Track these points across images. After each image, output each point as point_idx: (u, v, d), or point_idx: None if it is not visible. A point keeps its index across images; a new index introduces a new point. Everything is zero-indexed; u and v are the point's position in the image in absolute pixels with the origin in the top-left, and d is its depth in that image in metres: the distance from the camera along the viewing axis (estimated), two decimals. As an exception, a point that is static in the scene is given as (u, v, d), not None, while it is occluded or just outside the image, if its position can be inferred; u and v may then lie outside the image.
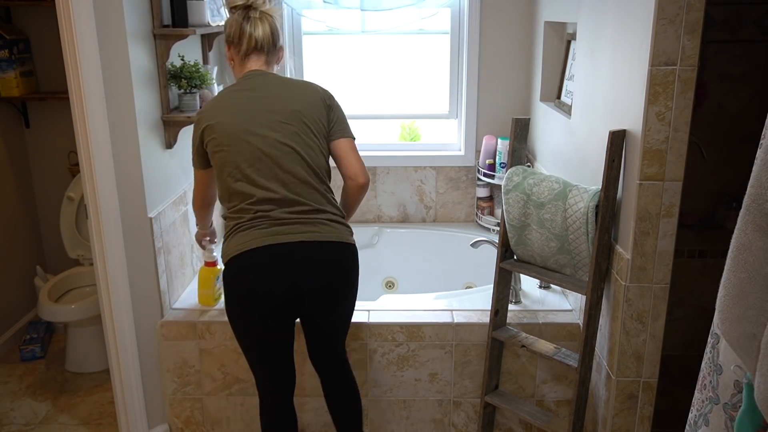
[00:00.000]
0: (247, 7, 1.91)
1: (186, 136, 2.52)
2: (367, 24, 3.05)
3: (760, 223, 0.81)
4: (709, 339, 1.00)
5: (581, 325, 2.02)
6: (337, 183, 1.97)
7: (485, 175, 3.07)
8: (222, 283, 1.91)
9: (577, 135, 2.29)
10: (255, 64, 1.94)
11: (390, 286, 3.24)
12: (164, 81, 2.32)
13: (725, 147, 2.77)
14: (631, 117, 1.79)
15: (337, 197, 2.01)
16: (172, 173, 2.45)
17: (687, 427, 1.06)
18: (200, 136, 1.89)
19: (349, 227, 1.96)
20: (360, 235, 3.22)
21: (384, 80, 3.62)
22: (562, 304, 2.40)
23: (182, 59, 2.42)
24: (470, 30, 3.02)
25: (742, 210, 0.85)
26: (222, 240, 1.94)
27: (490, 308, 2.23)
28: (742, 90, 2.77)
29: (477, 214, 3.23)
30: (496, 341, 2.24)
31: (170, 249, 2.40)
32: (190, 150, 1.97)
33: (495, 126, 3.14)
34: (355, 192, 2.01)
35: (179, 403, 2.41)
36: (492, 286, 2.23)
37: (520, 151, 2.21)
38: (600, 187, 1.88)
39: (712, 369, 0.99)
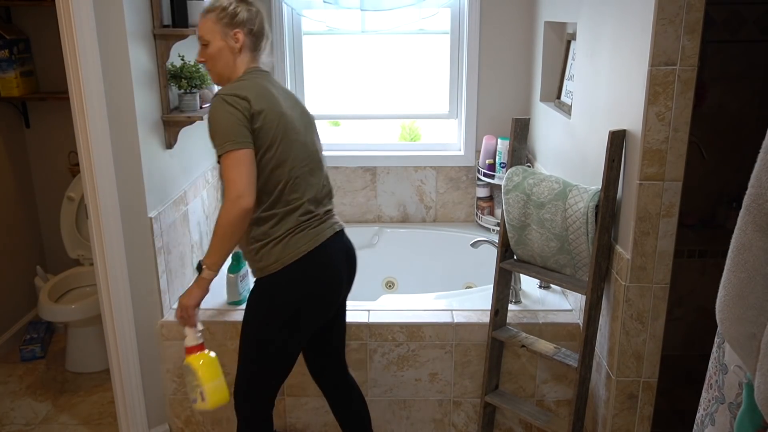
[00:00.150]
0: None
1: (186, 136, 2.52)
2: (367, 24, 3.05)
3: (760, 223, 0.81)
4: (715, 338, 1.00)
5: (581, 325, 2.02)
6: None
7: (485, 175, 3.07)
8: (280, 289, 1.77)
9: (577, 135, 2.29)
10: (257, 62, 1.90)
11: (390, 286, 3.24)
12: (164, 81, 2.32)
13: (725, 147, 2.78)
14: (631, 117, 1.79)
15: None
16: (172, 173, 2.45)
17: (695, 426, 1.06)
18: (248, 116, 1.68)
19: None
20: (360, 235, 3.23)
21: (384, 80, 3.62)
22: (562, 304, 2.40)
23: (182, 59, 2.42)
24: (470, 30, 3.02)
25: (742, 210, 0.85)
26: (264, 247, 1.76)
27: (490, 308, 2.23)
28: (742, 90, 2.77)
29: (477, 214, 3.23)
30: (496, 341, 2.24)
31: (170, 249, 2.40)
32: (210, 137, 1.70)
33: (495, 126, 3.14)
34: None
35: (179, 403, 2.41)
36: (492, 286, 2.23)
37: (520, 151, 2.21)
38: (600, 187, 1.88)
39: (718, 368, 0.99)
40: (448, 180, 3.24)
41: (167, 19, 2.33)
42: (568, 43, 2.65)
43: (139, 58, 2.15)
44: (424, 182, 3.24)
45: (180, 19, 2.31)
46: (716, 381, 1.00)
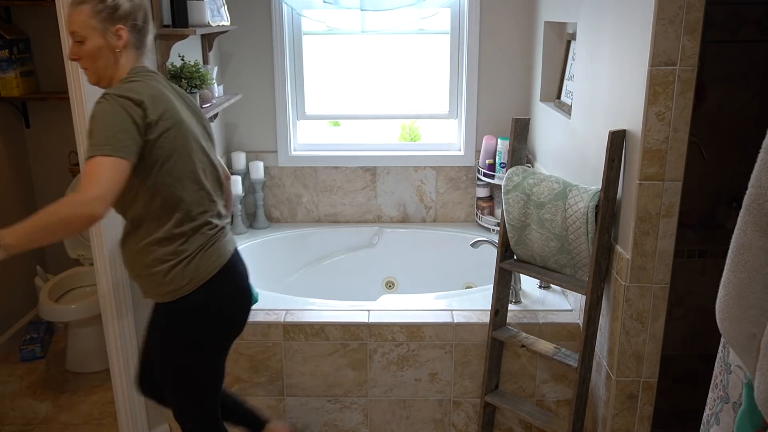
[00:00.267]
0: None
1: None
2: (367, 24, 3.05)
3: (760, 223, 0.81)
4: (721, 338, 1.00)
5: (581, 325, 2.02)
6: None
7: (485, 175, 3.07)
8: (191, 313, 1.67)
9: (577, 135, 2.29)
10: (142, 60, 1.67)
11: (390, 286, 3.24)
12: (164, 81, 2.31)
13: (725, 147, 2.78)
14: (631, 117, 1.79)
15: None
16: (172, 173, 2.44)
17: (701, 426, 1.07)
18: (141, 126, 1.50)
19: None
20: (360, 235, 3.24)
21: (384, 80, 3.62)
22: (562, 304, 2.40)
23: (182, 59, 2.42)
24: (470, 30, 3.02)
25: (742, 210, 0.85)
26: (175, 266, 1.62)
27: (490, 308, 2.23)
28: (742, 90, 2.77)
29: (477, 214, 3.23)
30: (496, 341, 2.24)
31: (170, 249, 2.40)
32: (88, 134, 1.50)
33: (495, 126, 3.14)
34: None
35: (179, 403, 2.41)
36: (492, 286, 2.23)
37: (520, 151, 2.21)
38: (600, 187, 1.88)
39: (723, 368, 0.99)
40: (448, 180, 3.24)
41: (167, 19, 2.33)
42: (568, 43, 2.66)
43: (139, 58, 2.15)
44: (424, 182, 3.24)
45: (180, 19, 2.31)
46: (721, 381, 1.00)
